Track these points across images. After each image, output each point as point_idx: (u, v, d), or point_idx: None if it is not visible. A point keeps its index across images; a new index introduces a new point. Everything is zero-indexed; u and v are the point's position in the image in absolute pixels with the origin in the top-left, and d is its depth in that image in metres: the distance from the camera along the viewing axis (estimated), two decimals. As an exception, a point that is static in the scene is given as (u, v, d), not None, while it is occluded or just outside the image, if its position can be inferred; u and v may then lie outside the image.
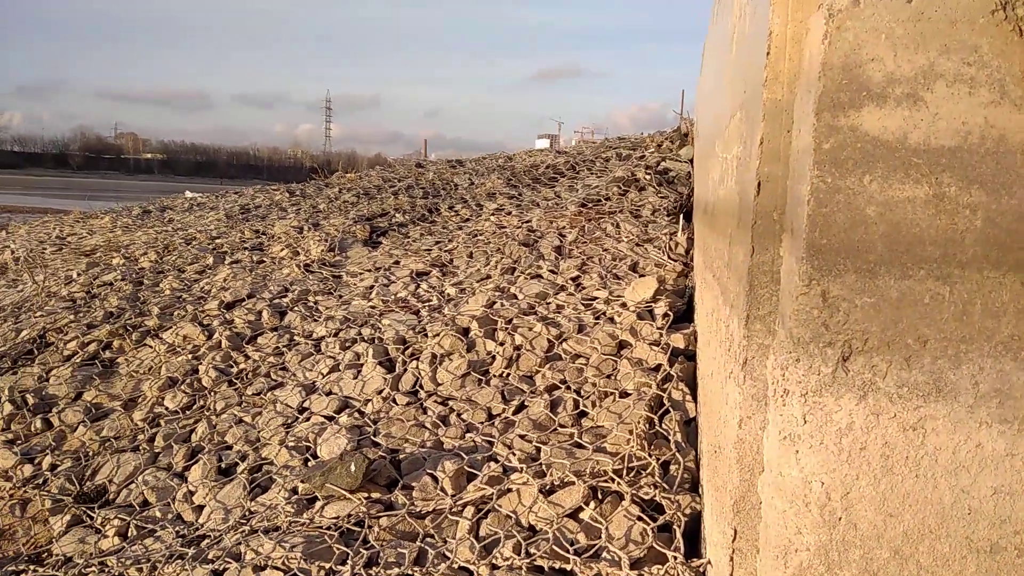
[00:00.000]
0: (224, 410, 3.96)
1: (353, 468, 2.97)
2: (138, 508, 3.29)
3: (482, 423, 3.39)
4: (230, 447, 3.61)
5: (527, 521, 2.70)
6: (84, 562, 2.96)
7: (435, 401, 3.65)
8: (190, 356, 4.55)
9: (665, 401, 3.12)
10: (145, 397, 4.21)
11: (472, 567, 2.52)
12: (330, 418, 3.68)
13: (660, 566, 2.32)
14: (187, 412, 4.01)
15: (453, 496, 2.89)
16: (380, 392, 3.81)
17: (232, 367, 4.40)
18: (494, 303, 4.50)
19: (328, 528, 2.84)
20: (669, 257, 4.77)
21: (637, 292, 4.10)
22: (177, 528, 3.09)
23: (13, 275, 7.34)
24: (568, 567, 2.41)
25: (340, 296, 5.33)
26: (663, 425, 3.00)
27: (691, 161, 7.60)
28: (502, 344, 3.95)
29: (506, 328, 4.07)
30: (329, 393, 3.91)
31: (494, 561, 2.50)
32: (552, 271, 5.00)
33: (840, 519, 1.40)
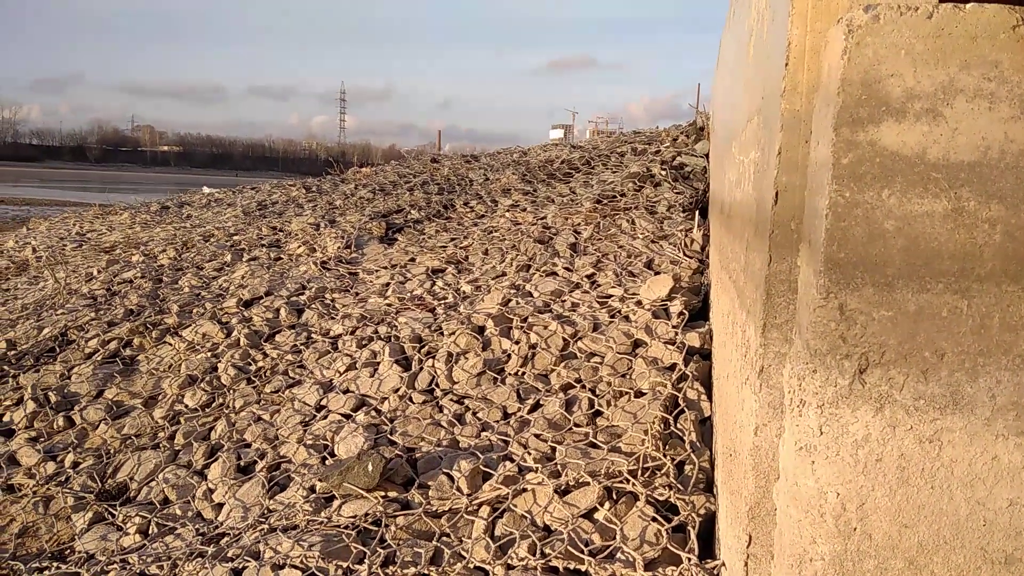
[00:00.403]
0: (243, 408, 4.01)
1: (370, 467, 3.00)
2: (159, 506, 3.34)
3: (497, 422, 3.42)
4: (249, 445, 3.66)
5: (542, 521, 2.72)
6: (106, 559, 3.01)
7: (451, 399, 3.68)
8: (209, 354, 4.60)
9: (680, 401, 3.13)
10: (165, 395, 4.26)
11: (487, 567, 2.55)
12: (347, 416, 3.71)
13: (674, 567, 2.34)
14: (206, 410, 4.06)
15: (469, 495, 2.91)
16: (396, 390, 3.85)
17: (251, 365, 4.45)
18: (509, 301, 4.52)
19: (346, 527, 2.87)
20: (684, 254, 4.77)
21: (652, 290, 4.11)
22: (197, 526, 3.13)
23: (34, 272, 7.43)
24: (583, 568, 2.44)
25: (357, 294, 5.36)
26: (678, 425, 3.01)
27: (707, 156, 7.58)
28: (517, 342, 3.97)
29: (521, 326, 4.09)
30: (346, 391, 3.95)
31: (509, 561, 2.52)
32: (567, 268, 5.01)
33: (855, 529, 1.41)
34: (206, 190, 12.53)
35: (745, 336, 1.99)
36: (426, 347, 4.19)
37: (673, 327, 3.65)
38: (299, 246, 6.80)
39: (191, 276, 6.23)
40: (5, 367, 4.76)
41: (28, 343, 5.06)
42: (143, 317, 5.23)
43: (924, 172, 1.36)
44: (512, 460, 3.07)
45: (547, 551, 2.51)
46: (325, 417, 3.76)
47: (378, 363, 4.14)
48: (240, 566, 2.77)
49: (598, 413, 3.29)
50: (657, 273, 4.51)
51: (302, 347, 4.58)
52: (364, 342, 4.46)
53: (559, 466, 2.91)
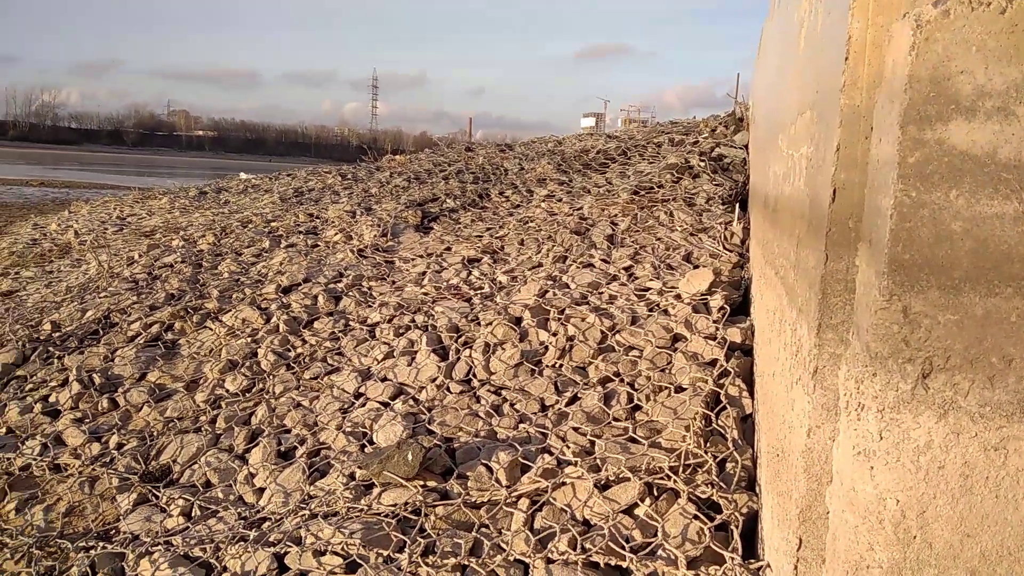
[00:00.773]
0: (282, 394, 4.05)
1: (410, 457, 3.02)
2: (201, 489, 3.39)
3: (535, 414, 3.42)
4: (289, 430, 3.70)
5: (582, 515, 2.72)
6: (151, 540, 3.06)
7: (488, 390, 3.69)
8: (249, 339, 4.66)
9: (722, 397, 3.10)
10: (206, 379, 4.33)
11: (527, 560, 2.55)
12: (385, 404, 3.74)
13: (717, 567, 2.32)
14: (247, 395, 4.11)
15: (508, 487, 2.92)
16: (434, 380, 3.86)
17: (290, 351, 4.49)
18: (546, 292, 4.51)
19: (385, 515, 2.89)
20: (724, 248, 4.71)
21: (692, 284, 4.07)
22: (239, 510, 3.18)
23: (77, 255, 7.58)
24: (624, 564, 2.43)
25: (393, 282, 5.39)
26: (719, 421, 2.98)
27: (746, 147, 7.47)
28: (555, 334, 3.96)
29: (559, 318, 4.07)
30: (384, 379, 3.97)
31: (549, 555, 2.52)
32: (604, 260, 4.99)
33: (915, 537, 1.38)
34: (243, 176, 12.66)
35: (796, 335, 1.96)
36: (463, 337, 4.20)
37: (714, 322, 3.61)
38: (336, 233, 6.85)
39: (230, 262, 6.30)
40: (51, 348, 4.87)
41: (72, 325, 5.17)
42: (184, 301, 5.30)
43: (994, 172, 1.32)
44: (551, 453, 3.06)
45: (588, 546, 2.50)
46: (363, 405, 3.79)
47: (415, 352, 4.16)
48: (282, 551, 2.80)
49: (637, 408, 3.28)
50: (696, 266, 4.47)
51: (340, 334, 4.61)
52: (401, 331, 4.48)
53: (599, 460, 2.90)
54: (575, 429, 3.19)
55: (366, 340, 4.49)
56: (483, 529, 2.75)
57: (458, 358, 4.01)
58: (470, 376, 3.85)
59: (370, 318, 4.76)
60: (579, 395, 3.46)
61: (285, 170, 13.35)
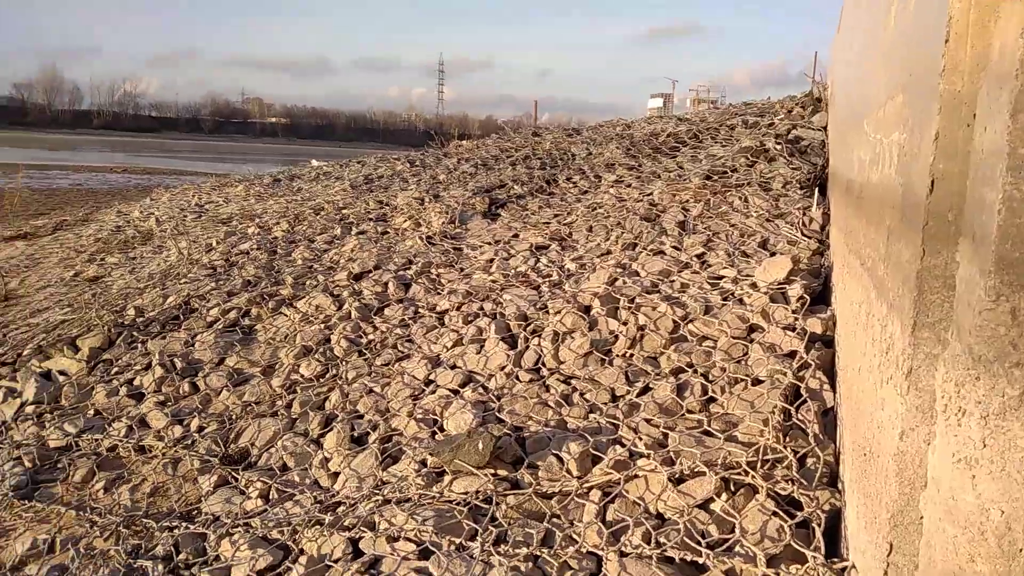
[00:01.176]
0: (355, 379, 4.12)
1: (481, 446, 3.03)
2: (278, 472, 3.48)
3: (606, 404, 3.38)
4: (361, 416, 3.76)
5: (655, 509, 2.68)
6: (231, 522, 3.16)
7: (557, 379, 3.67)
8: (322, 325, 4.75)
9: (802, 391, 3.00)
10: (282, 364, 4.43)
11: (600, 552, 2.53)
12: (455, 392, 3.76)
13: (799, 565, 2.25)
14: (320, 380, 4.20)
15: (579, 478, 2.90)
16: (503, 368, 3.86)
17: (362, 338, 4.56)
18: (615, 280, 4.45)
19: (457, 503, 2.91)
20: (803, 234, 4.56)
21: (769, 272, 3.95)
22: (315, 493, 3.24)
23: (158, 242, 7.85)
24: (700, 560, 2.38)
25: (461, 269, 5.41)
26: (799, 415, 2.89)
27: (825, 129, 7.22)
28: (625, 323, 3.91)
29: (629, 307, 4.01)
30: (453, 367, 3.99)
31: (623, 548, 2.50)
32: (675, 247, 4.89)
33: (1021, 550, 1.30)
34: (314, 163, 12.90)
35: (886, 331, 1.87)
36: (531, 325, 4.18)
37: (792, 312, 3.50)
38: (405, 220, 6.91)
39: (303, 249, 6.43)
40: (135, 333, 5.06)
41: (155, 311, 5.36)
42: (260, 288, 5.44)
43: (1117, 164, 1.22)
44: (623, 444, 3.03)
45: (662, 540, 2.46)
46: (434, 392, 3.82)
47: (484, 340, 4.17)
48: (357, 536, 2.85)
49: (711, 400, 3.21)
50: (773, 254, 4.34)
51: (410, 321, 4.66)
52: (470, 318, 4.49)
53: (672, 453, 2.85)
54: (647, 420, 3.14)
55: (435, 327, 4.52)
56: (554, 520, 2.74)
57: (527, 346, 4.00)
58: (539, 365, 3.84)
59: (439, 305, 4.79)
60: (651, 386, 3.41)
61: (354, 156, 13.55)
